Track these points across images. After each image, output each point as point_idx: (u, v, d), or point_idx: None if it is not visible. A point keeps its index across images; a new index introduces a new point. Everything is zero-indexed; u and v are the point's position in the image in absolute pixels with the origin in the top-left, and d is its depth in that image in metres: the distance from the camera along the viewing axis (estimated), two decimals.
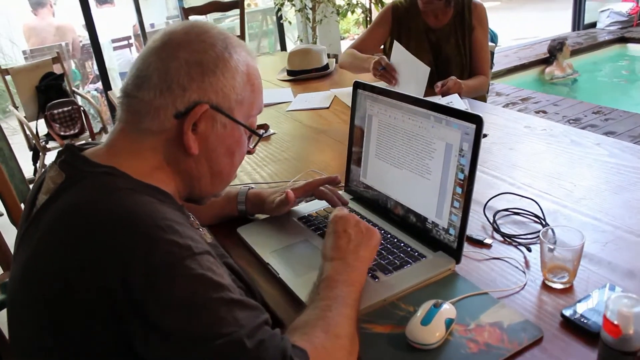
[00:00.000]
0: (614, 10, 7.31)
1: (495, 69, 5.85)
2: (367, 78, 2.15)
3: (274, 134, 1.98)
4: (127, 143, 0.86)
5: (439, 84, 2.04)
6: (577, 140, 1.63)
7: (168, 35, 0.87)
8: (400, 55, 2.10)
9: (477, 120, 0.98)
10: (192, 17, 5.07)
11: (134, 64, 0.88)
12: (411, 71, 2.07)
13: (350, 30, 8.61)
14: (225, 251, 1.27)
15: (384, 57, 2.16)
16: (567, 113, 4.54)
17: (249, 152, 1.00)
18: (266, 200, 1.29)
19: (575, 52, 6.41)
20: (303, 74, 2.68)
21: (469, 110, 1.86)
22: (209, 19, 6.91)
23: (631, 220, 1.19)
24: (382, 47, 2.54)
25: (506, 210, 1.26)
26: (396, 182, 1.21)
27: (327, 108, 2.18)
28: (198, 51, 0.85)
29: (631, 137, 3.94)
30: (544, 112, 4.60)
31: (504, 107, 4.76)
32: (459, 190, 1.04)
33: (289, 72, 2.74)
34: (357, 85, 1.30)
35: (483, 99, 2.49)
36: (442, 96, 2.04)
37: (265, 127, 2.00)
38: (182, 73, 0.84)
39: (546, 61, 6.19)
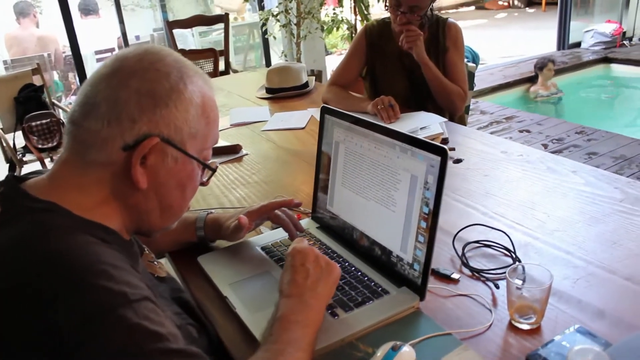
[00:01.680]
0: (598, 30, 7.36)
1: (480, 86, 5.86)
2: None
3: (246, 155, 1.93)
4: (71, 175, 0.81)
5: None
6: (554, 167, 1.59)
7: (120, 61, 0.83)
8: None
9: (442, 153, 0.94)
10: (176, 31, 5.04)
11: (82, 90, 0.83)
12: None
13: (338, 45, 8.61)
14: (183, 282, 1.22)
15: (392, 98, 2.09)
16: (551, 133, 4.53)
17: (203, 185, 0.95)
18: (223, 226, 1.24)
19: (560, 71, 6.43)
20: (282, 92, 2.64)
21: (444, 133, 1.84)
22: (194, 32, 6.91)
23: (604, 255, 1.15)
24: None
25: (477, 242, 1.22)
26: (362, 212, 1.16)
27: (303, 128, 2.14)
28: (151, 80, 0.81)
29: (612, 158, 3.94)
30: (528, 131, 4.60)
31: (488, 125, 4.77)
32: (423, 224, 1.00)
33: (268, 90, 2.70)
34: (325, 111, 1.26)
35: (462, 121, 2.46)
36: (405, 47, 2.10)
37: (237, 147, 1.97)
38: (132, 103, 0.79)
39: (531, 80, 6.20)
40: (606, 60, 6.99)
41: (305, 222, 1.35)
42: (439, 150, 0.95)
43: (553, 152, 4.08)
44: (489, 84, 6.11)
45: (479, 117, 5.01)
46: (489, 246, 1.21)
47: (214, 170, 0.93)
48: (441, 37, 2.26)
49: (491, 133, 4.58)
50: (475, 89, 5.70)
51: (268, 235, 1.31)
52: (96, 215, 0.80)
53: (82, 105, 0.81)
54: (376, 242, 1.12)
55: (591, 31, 7.41)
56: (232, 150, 1.95)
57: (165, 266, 1.33)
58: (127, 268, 0.75)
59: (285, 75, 2.67)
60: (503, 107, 5.26)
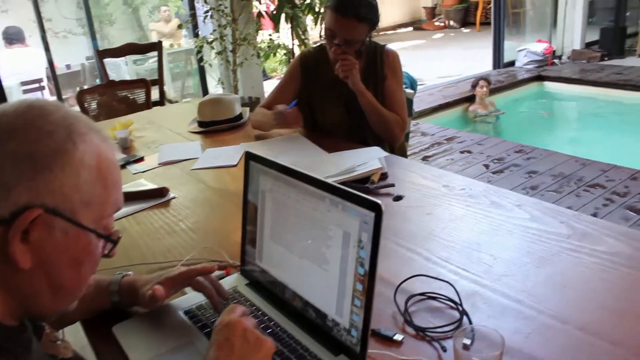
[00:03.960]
0: (530, 49, 7.56)
1: (420, 107, 5.88)
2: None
3: (173, 198, 1.79)
4: None
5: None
6: (497, 202, 1.52)
7: None
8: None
9: (376, 208, 0.83)
10: (107, 60, 4.84)
11: None
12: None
13: (277, 70, 8.54)
14: (97, 358, 1.07)
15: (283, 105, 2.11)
16: (491, 152, 4.55)
17: (106, 257, 0.82)
18: (139, 292, 1.09)
19: (497, 90, 6.54)
20: (214, 125, 2.51)
21: (384, 167, 1.74)
22: (127, 61, 6.70)
23: (555, 302, 1.07)
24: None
25: (421, 294, 1.12)
26: (293, 270, 1.04)
27: (235, 166, 2.01)
28: (31, 141, 0.68)
29: (552, 176, 3.97)
30: (469, 152, 4.60)
31: (429, 147, 4.76)
32: (359, 286, 0.89)
33: (200, 123, 2.56)
34: (249, 157, 1.14)
35: (402, 151, 2.39)
36: (341, 76, 2.05)
37: (164, 191, 1.82)
38: (7, 169, 0.66)
39: (470, 99, 6.27)
40: (539, 78, 7.17)
41: (234, 278, 1.22)
42: (372, 205, 0.84)
43: (494, 173, 4.09)
44: (428, 105, 6.13)
45: (420, 139, 4.99)
46: (434, 298, 1.11)
47: (115, 243, 0.80)
48: (379, 64, 2.19)
49: (433, 155, 4.58)
50: (415, 110, 5.72)
51: (192, 297, 1.17)
52: None
53: None
54: (310, 303, 1.00)
55: (524, 50, 7.61)
56: (158, 194, 1.80)
57: (79, 335, 1.18)
58: None
59: (217, 108, 2.54)
60: (444, 128, 5.28)
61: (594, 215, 3.31)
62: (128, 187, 1.90)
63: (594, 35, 8.04)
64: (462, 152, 4.61)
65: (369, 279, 0.86)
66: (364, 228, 0.86)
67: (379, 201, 0.83)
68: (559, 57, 7.86)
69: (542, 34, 8.05)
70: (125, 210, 1.70)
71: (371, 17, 2.06)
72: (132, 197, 1.79)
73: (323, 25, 2.14)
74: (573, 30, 7.86)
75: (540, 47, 7.54)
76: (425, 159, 4.51)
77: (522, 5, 8.43)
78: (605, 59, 7.60)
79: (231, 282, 1.21)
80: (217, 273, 1.27)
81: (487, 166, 4.26)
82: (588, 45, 8.00)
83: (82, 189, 0.71)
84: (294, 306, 1.05)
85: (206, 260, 1.36)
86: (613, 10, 8.08)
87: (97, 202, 0.74)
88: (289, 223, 1.04)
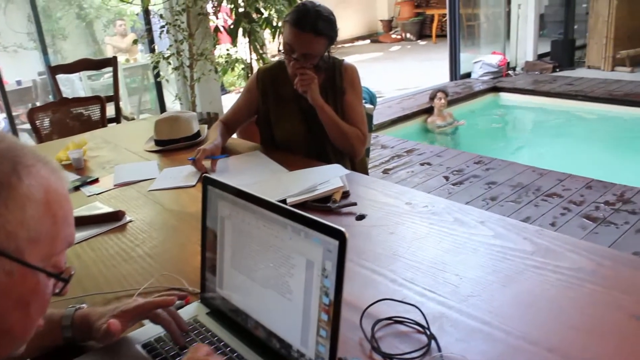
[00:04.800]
0: (485, 61, 7.71)
1: (379, 120, 5.91)
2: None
3: (130, 222, 1.73)
4: None
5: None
6: (461, 219, 1.51)
7: None
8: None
9: (340, 236, 0.80)
10: (61, 76, 4.71)
11: None
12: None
13: (236, 84, 8.48)
14: None
15: (205, 149, 2.07)
16: (451, 164, 4.59)
17: (59, 295, 0.76)
18: (93, 327, 1.03)
19: (454, 102, 6.64)
20: (171, 144, 2.45)
21: (345, 186, 1.71)
22: (82, 77, 6.54)
23: (522, 322, 1.05)
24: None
25: (388, 319, 1.09)
26: (255, 299, 1.00)
27: (194, 186, 1.96)
28: None
29: (511, 186, 4.02)
30: (429, 163, 4.63)
31: (389, 159, 4.77)
32: (324, 316, 0.85)
33: (157, 142, 2.50)
34: (207, 181, 1.10)
35: (363, 165, 2.38)
36: (300, 90, 2.04)
37: (120, 214, 1.75)
38: None
39: (428, 111, 6.33)
40: (495, 89, 7.31)
41: (194, 307, 1.17)
42: (336, 233, 0.81)
43: (454, 184, 4.12)
44: (387, 117, 6.17)
45: (380, 152, 5.01)
46: (401, 322, 1.08)
47: (67, 281, 0.75)
48: (338, 79, 2.18)
49: (393, 167, 4.59)
50: (374, 122, 5.74)
51: (150, 329, 1.11)
52: None
53: None
54: (273, 333, 0.97)
55: (479, 62, 7.76)
56: (114, 218, 1.73)
57: None
58: None
59: (174, 126, 2.48)
60: (403, 140, 5.31)
61: (553, 224, 3.36)
62: (82, 211, 1.83)
63: (546, 47, 8.26)
64: (422, 164, 4.64)
65: (335, 309, 0.83)
66: (328, 256, 0.83)
67: (342, 229, 0.80)
68: (513, 69, 8.04)
69: (496, 46, 8.22)
70: (79, 235, 1.62)
71: (329, 31, 2.05)
72: (86, 221, 1.72)
73: (281, 40, 2.12)
74: (526, 43, 8.05)
75: (495, 59, 7.70)
76: (385, 171, 4.52)
77: (476, 18, 8.61)
78: (557, 70, 7.81)
79: (191, 311, 1.16)
80: (176, 302, 1.22)
81: (447, 178, 4.29)
82: (540, 56, 8.21)
83: (29, 225, 0.66)
84: (257, 336, 1.01)
85: (164, 288, 1.30)
86: (562, 23, 8.32)
87: (45, 238, 0.69)
88: (250, 250, 1.00)
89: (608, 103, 6.31)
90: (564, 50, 7.96)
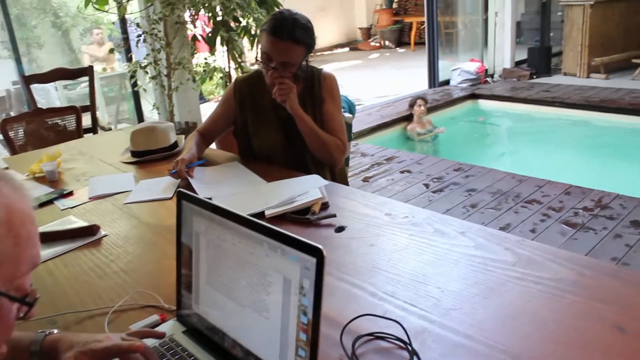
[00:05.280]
0: (464, 69, 7.77)
1: (359, 128, 5.91)
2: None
3: (105, 236, 1.68)
4: None
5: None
6: (441, 229, 1.49)
7: None
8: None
9: (317, 254, 0.78)
10: (35, 86, 4.63)
11: None
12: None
13: (215, 92, 8.43)
14: None
15: (183, 159, 2.04)
16: (431, 171, 4.59)
17: (23, 319, 0.73)
18: (62, 357, 0.99)
19: (433, 109, 6.67)
20: (148, 155, 2.41)
21: (325, 197, 1.69)
22: (57, 87, 6.45)
23: (505, 336, 1.04)
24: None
25: (369, 334, 1.06)
26: (232, 317, 0.98)
27: (171, 198, 1.92)
28: None
29: (490, 193, 4.04)
30: (409, 171, 4.63)
31: (369, 167, 4.76)
32: (303, 336, 0.83)
33: (133, 153, 2.46)
34: (182, 196, 1.07)
35: (343, 175, 2.36)
36: (279, 100, 2.01)
37: (94, 228, 1.71)
38: None
39: (408, 118, 6.35)
40: (474, 96, 7.36)
41: (170, 325, 1.14)
42: (313, 250, 0.79)
43: (435, 192, 4.12)
44: (367, 125, 6.18)
45: (360, 160, 5.00)
46: (382, 338, 1.06)
47: (31, 305, 0.71)
48: (316, 88, 2.16)
49: (373, 176, 4.58)
50: (354, 130, 5.74)
51: None
52: None
53: None
54: (251, 352, 0.94)
55: (458, 69, 7.81)
56: (88, 232, 1.69)
57: None
58: None
59: (151, 136, 2.44)
60: (383, 148, 5.31)
61: (533, 231, 3.37)
62: (55, 225, 1.79)
63: (523, 55, 8.36)
64: (402, 172, 4.64)
65: (313, 328, 0.81)
66: (305, 274, 0.81)
67: (319, 246, 0.78)
68: (491, 76, 8.11)
69: (474, 54, 8.29)
70: (51, 251, 1.58)
71: (307, 39, 2.03)
72: (59, 236, 1.68)
73: (259, 49, 2.10)
74: (503, 50, 8.14)
75: (473, 66, 7.76)
76: (365, 180, 4.51)
77: (454, 26, 8.67)
78: (534, 77, 7.90)
79: (167, 329, 1.13)
80: (152, 319, 1.19)
81: (427, 185, 4.29)
82: (517, 63, 8.30)
83: None
84: (234, 355, 0.98)
85: (139, 306, 1.27)
86: (538, 31, 8.43)
87: (8, 261, 0.66)
88: (226, 267, 0.97)
89: (584, 109, 6.38)
90: (540, 58, 8.05)
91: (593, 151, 5.75)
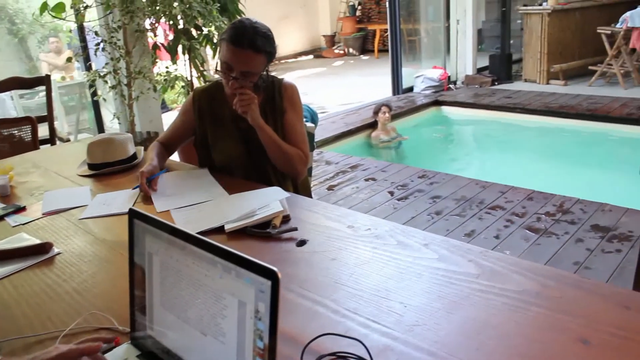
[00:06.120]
0: (427, 76, 7.84)
1: (323, 136, 5.89)
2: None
3: (58, 254, 1.62)
4: None
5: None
6: (404, 241, 1.47)
7: None
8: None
9: (272, 277, 0.75)
10: None
11: None
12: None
13: (178, 101, 8.32)
14: None
15: (143, 172, 2.00)
16: (395, 179, 4.60)
17: None
18: None
19: (397, 116, 6.70)
20: (106, 168, 2.34)
21: (286, 210, 1.65)
22: (13, 96, 6.27)
23: (470, 352, 1.02)
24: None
25: (331, 354, 1.03)
26: (187, 341, 0.93)
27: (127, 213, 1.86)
28: None
29: (455, 200, 4.06)
30: (374, 179, 4.63)
31: (334, 176, 4.74)
32: None
33: (90, 166, 2.38)
34: (133, 214, 1.03)
35: (306, 185, 2.33)
36: (240, 111, 1.97)
37: (47, 246, 1.64)
38: None
39: (372, 125, 6.36)
40: (437, 103, 7.43)
41: (124, 349, 1.09)
42: (268, 272, 0.75)
43: (399, 199, 4.12)
44: (331, 133, 6.16)
45: (325, 168, 4.98)
46: (344, 358, 1.03)
47: None
48: (278, 98, 2.13)
49: (338, 184, 4.56)
50: (319, 138, 5.73)
51: None
52: None
53: None
54: None
55: (421, 76, 7.88)
56: (40, 250, 1.61)
57: None
58: None
59: (109, 148, 2.37)
60: (348, 156, 5.30)
61: (497, 237, 3.40)
62: (5, 244, 1.71)
63: (484, 62, 8.48)
64: (366, 180, 4.63)
65: (270, 353, 0.77)
66: (261, 297, 0.77)
67: (274, 268, 0.74)
68: (454, 83, 8.21)
69: (437, 61, 8.38)
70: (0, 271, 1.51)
71: (268, 48, 2.00)
72: (9, 255, 1.60)
73: (218, 59, 2.05)
74: (465, 57, 8.25)
75: (436, 73, 7.84)
76: (330, 188, 4.49)
77: (417, 33, 8.76)
78: (496, 83, 8.02)
79: (121, 353, 1.08)
80: (102, 346, 1.14)
81: (392, 193, 4.29)
82: (479, 70, 8.42)
83: None
84: None
85: (93, 329, 1.21)
86: (499, 38, 8.57)
87: None
88: (180, 289, 0.93)
89: (545, 115, 6.50)
90: (501, 65, 8.19)
91: (554, 156, 5.85)
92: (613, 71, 7.31)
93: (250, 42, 1.94)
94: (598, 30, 7.39)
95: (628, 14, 6.97)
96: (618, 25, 7.12)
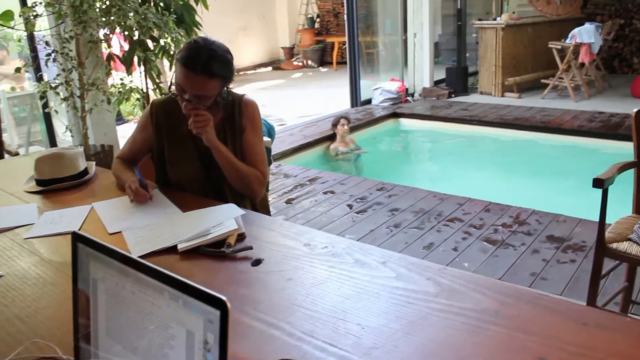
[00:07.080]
0: (385, 88, 7.91)
1: (281, 148, 5.86)
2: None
3: (0, 277, 1.53)
4: None
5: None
6: (362, 259, 1.45)
7: None
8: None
9: (221, 306, 0.71)
10: None
11: None
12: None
13: (134, 113, 8.16)
14: None
15: (134, 181, 1.94)
16: (354, 192, 4.59)
17: None
18: None
19: (356, 128, 6.72)
20: (54, 184, 2.25)
21: (241, 228, 1.61)
22: None
23: None
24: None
25: None
26: None
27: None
28: None
29: (413, 212, 4.07)
30: (332, 192, 4.62)
31: (292, 189, 4.71)
32: None
33: (38, 182, 2.29)
34: (77, 238, 0.97)
35: (264, 203, 2.29)
36: (195, 132, 1.91)
37: None
38: None
39: (331, 137, 6.36)
40: (395, 115, 7.49)
41: None
42: (216, 301, 0.71)
43: (358, 212, 4.11)
44: (290, 145, 6.13)
45: (283, 181, 4.94)
46: None
47: None
48: (237, 116, 2.08)
49: (296, 197, 4.53)
50: (277, 150, 5.69)
51: None
52: None
53: None
54: None
55: (379, 89, 7.94)
56: None
57: None
58: None
59: (58, 164, 2.28)
60: (306, 169, 5.27)
61: (455, 249, 3.41)
62: None
63: (441, 74, 8.61)
64: (325, 193, 4.61)
65: None
66: (209, 328, 0.73)
67: (223, 297, 0.71)
68: (412, 95, 8.30)
69: (394, 73, 8.46)
70: None
71: (223, 72, 1.93)
72: None
73: (173, 78, 1.99)
74: (422, 70, 8.36)
75: (394, 86, 7.91)
76: (289, 202, 4.45)
77: (375, 46, 8.83)
78: (452, 96, 8.15)
79: None
80: None
81: (350, 206, 4.28)
82: (436, 83, 8.55)
83: None
84: None
85: (34, 358, 1.14)
86: (455, 51, 8.73)
87: None
88: (127, 318, 0.88)
89: (500, 127, 6.62)
90: (457, 77, 8.33)
91: (509, 168, 5.95)
92: (564, 84, 7.52)
93: (204, 67, 1.86)
94: (549, 45, 7.60)
95: (576, 30, 7.20)
96: (567, 41, 7.34)
